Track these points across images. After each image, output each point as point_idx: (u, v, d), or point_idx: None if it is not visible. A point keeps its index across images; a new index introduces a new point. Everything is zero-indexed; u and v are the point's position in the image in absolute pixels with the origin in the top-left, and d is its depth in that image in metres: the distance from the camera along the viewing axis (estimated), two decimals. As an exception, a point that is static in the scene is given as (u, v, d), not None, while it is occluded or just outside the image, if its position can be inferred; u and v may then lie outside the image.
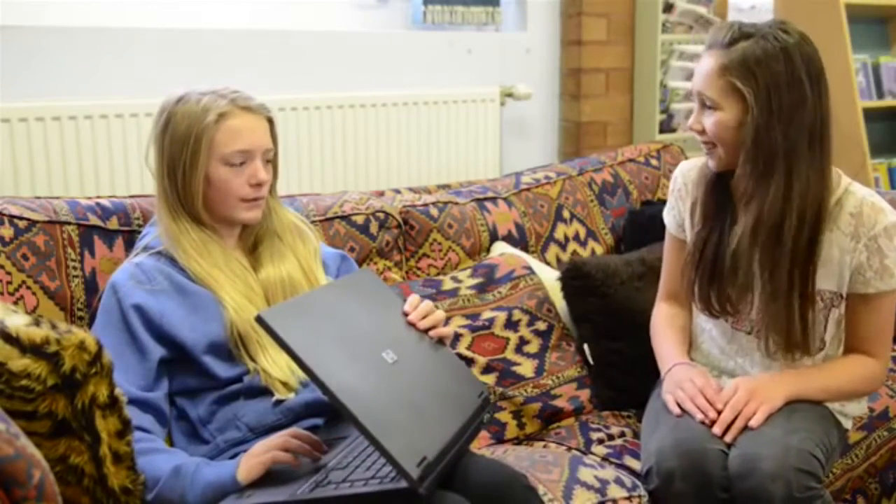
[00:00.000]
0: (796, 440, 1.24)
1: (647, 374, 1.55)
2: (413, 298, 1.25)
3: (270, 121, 1.34)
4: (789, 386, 1.35)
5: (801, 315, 1.33)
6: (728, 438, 1.30)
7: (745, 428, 1.30)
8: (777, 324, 1.34)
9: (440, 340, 1.24)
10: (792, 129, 1.29)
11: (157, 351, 1.23)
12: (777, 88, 1.28)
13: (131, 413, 1.08)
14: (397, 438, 1.00)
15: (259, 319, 1.01)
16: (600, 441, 1.52)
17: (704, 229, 1.42)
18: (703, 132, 1.37)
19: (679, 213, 1.52)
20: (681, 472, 1.25)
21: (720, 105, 1.33)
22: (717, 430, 1.30)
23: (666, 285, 1.57)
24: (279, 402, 1.25)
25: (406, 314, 1.22)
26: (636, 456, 1.45)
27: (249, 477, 1.13)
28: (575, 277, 1.71)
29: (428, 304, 1.24)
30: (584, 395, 1.67)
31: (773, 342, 1.37)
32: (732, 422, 1.30)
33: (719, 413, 1.32)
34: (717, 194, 1.41)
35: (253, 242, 1.37)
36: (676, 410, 1.35)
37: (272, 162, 1.36)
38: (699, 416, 1.32)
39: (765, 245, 1.33)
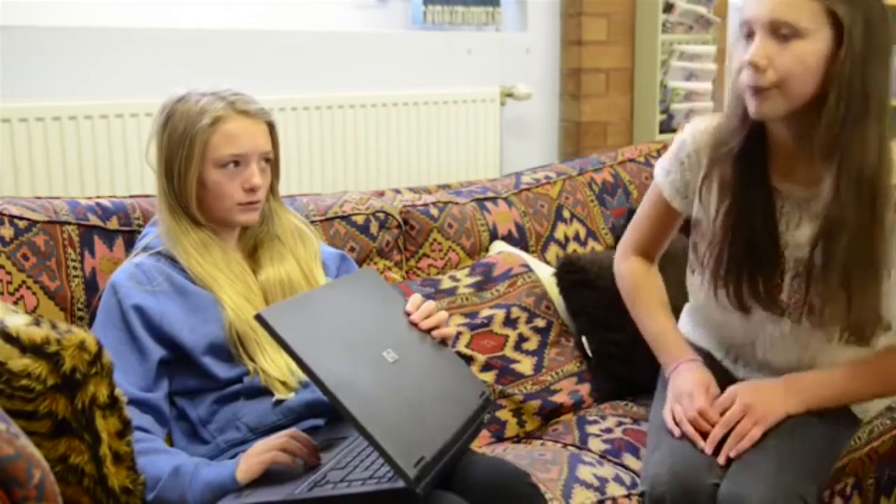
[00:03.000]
0: (789, 479, 1.15)
1: (645, 363, 1.54)
2: (415, 298, 1.25)
3: (270, 125, 1.33)
4: (795, 397, 1.25)
5: (878, 292, 1.17)
6: (721, 460, 1.23)
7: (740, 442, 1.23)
8: (851, 306, 1.17)
9: (442, 341, 1.23)
10: (882, 72, 1.14)
11: (157, 351, 1.23)
12: (874, 22, 1.13)
13: (131, 413, 1.08)
14: (395, 438, 0.99)
15: (259, 318, 1.01)
16: (596, 435, 1.52)
17: (734, 207, 1.23)
18: (766, 69, 1.16)
19: (683, 183, 1.35)
20: (671, 501, 1.19)
21: (807, 33, 1.14)
22: (707, 448, 1.24)
23: (637, 239, 1.45)
24: (279, 402, 1.25)
25: (408, 314, 1.22)
26: (634, 451, 1.45)
27: (248, 476, 1.13)
28: (570, 271, 1.71)
29: (430, 304, 1.24)
30: (584, 389, 1.67)
31: (833, 326, 1.21)
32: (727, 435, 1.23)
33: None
34: (748, 161, 1.22)
35: (253, 245, 1.37)
36: (676, 431, 1.28)
37: (272, 165, 1.35)
38: (700, 443, 1.25)
39: (860, 207, 1.15)
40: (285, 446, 1.15)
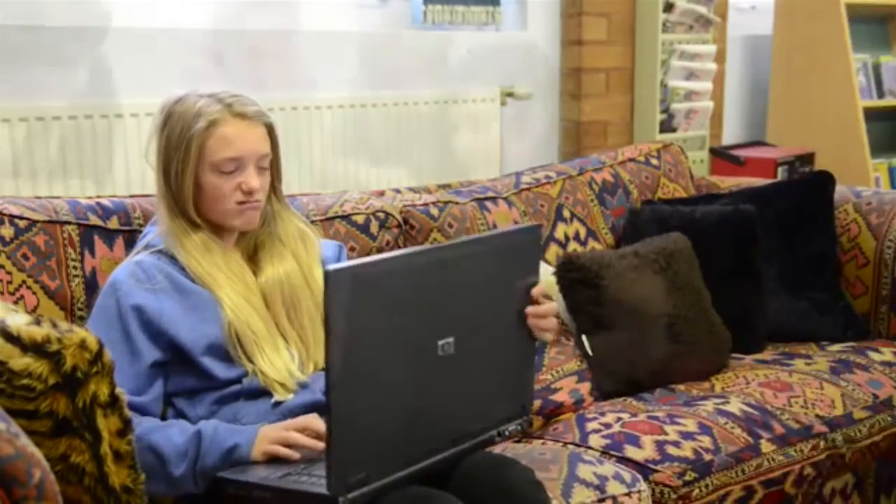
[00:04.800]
0: None
1: (645, 362, 1.55)
2: (543, 284, 1.18)
3: (269, 126, 1.32)
4: None
5: None
6: None
7: None
8: None
9: (532, 338, 1.18)
10: None
11: (151, 354, 1.23)
12: None
13: None
14: (354, 448, 0.96)
15: (326, 274, 0.93)
16: (596, 431, 1.52)
17: None
18: None
19: None
20: None
21: None
22: None
23: None
24: (278, 403, 1.25)
25: (530, 298, 1.14)
26: (634, 442, 1.46)
27: (258, 458, 1.15)
28: (570, 270, 1.72)
29: (552, 305, 1.19)
30: (585, 387, 1.67)
31: None
32: None
33: None
34: None
35: (253, 246, 1.36)
36: None
37: (273, 167, 1.34)
38: None
39: None
40: (286, 441, 1.16)
